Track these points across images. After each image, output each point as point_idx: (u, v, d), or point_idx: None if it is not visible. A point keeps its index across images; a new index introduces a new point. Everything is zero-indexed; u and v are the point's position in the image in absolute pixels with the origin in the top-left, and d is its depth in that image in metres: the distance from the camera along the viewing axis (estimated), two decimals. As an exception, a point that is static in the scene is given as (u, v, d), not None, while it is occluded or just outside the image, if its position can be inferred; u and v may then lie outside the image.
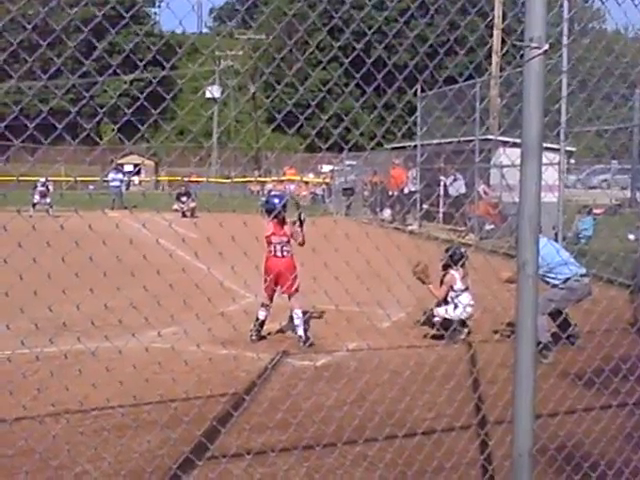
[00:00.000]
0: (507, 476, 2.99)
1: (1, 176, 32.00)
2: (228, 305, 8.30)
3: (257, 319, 7.73)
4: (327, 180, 34.02)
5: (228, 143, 55.32)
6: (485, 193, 18.82)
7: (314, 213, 24.62)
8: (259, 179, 42.46)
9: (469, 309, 8.09)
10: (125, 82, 50.03)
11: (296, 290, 7.53)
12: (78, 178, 41.30)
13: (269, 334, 7.98)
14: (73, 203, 20.81)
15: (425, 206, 21.24)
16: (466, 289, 8.07)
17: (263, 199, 7.95)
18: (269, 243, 7.61)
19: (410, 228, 20.82)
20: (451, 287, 8.03)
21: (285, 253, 7.61)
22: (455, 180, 20.35)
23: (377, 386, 5.34)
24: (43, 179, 25.47)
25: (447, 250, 8.30)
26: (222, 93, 57.55)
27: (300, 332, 7.53)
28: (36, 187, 26.28)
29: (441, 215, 20.91)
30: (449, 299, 8.06)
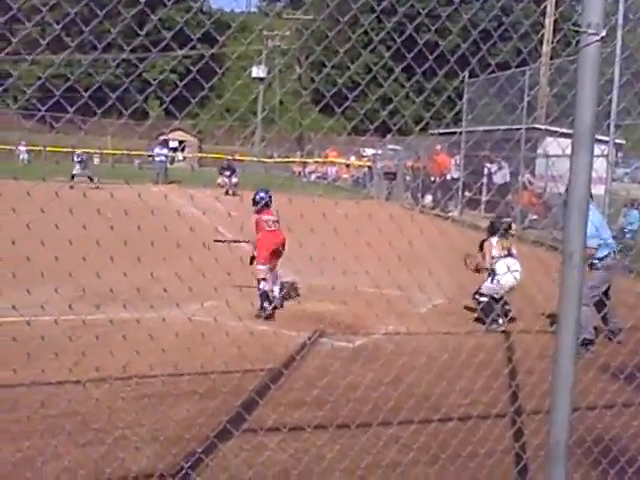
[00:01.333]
0: (542, 465, 2.97)
1: (52, 147, 32.63)
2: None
3: (260, 294, 7.95)
4: (369, 164, 33.84)
5: (272, 123, 55.41)
6: (530, 183, 18.54)
7: (355, 196, 24.62)
8: (301, 160, 42.49)
9: (509, 278, 7.83)
10: (174, 58, 50.44)
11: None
12: (125, 152, 41.94)
13: (308, 314, 8.04)
14: (118, 176, 21.18)
15: (468, 193, 21.02)
16: (506, 256, 7.95)
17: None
18: (260, 224, 8.33)
19: (451, 215, 20.64)
20: (491, 256, 7.95)
21: (277, 227, 8.37)
22: (500, 169, 20.09)
23: (414, 369, 5.34)
24: (79, 151, 25.83)
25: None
26: (268, 73, 57.55)
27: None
28: (74, 159, 26.40)
29: (483, 203, 20.68)
30: (490, 270, 7.97)
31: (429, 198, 24.44)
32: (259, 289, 7.92)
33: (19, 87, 43.33)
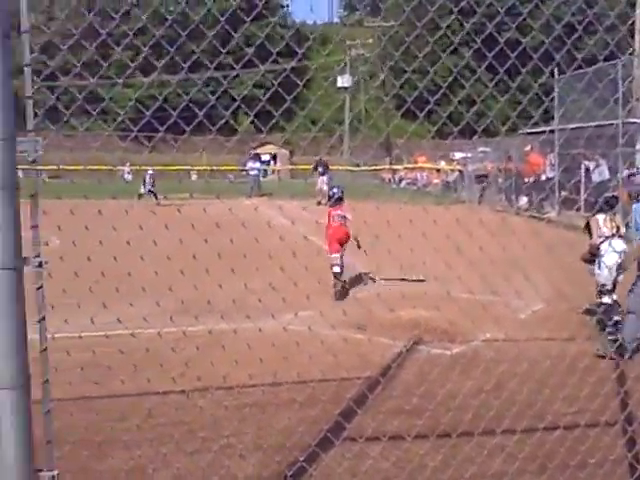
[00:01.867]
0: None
1: (145, 165, 33.94)
2: (361, 289, 8.37)
3: (335, 274, 9.44)
4: (460, 167, 33.27)
5: (358, 132, 55.55)
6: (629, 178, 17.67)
7: (443, 201, 24.26)
8: (391, 167, 42.32)
9: (612, 257, 7.21)
10: (258, 74, 51.48)
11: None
12: (218, 167, 43.15)
13: (402, 320, 7.96)
14: (212, 191, 21.78)
15: (564, 193, 20.28)
16: (613, 236, 7.38)
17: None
18: (331, 217, 9.95)
19: (548, 216, 19.95)
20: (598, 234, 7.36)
21: (342, 222, 9.87)
22: (598, 166, 19.27)
23: (515, 376, 5.17)
24: (151, 171, 26.70)
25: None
26: (353, 81, 57.82)
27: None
28: (144, 179, 27.05)
29: (582, 202, 19.88)
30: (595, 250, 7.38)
31: (524, 200, 23.74)
32: (333, 273, 9.43)
33: (114, 110, 45.39)
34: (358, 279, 9.85)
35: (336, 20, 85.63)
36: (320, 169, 27.75)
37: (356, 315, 7.18)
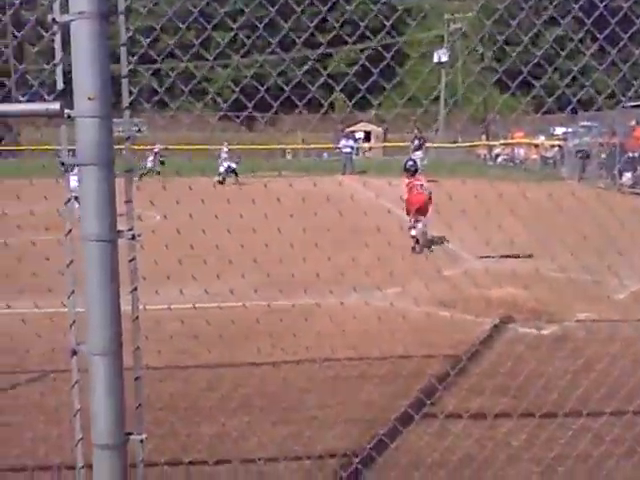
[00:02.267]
0: None
1: (242, 144, 34.63)
2: (449, 267, 8.29)
3: (413, 236, 10.79)
4: (559, 143, 31.98)
5: (455, 107, 54.31)
6: None
7: (543, 178, 23.44)
8: (487, 142, 41.25)
9: None
10: (356, 51, 51.21)
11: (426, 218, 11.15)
12: (314, 146, 43.50)
13: (490, 299, 7.85)
14: (306, 169, 21.97)
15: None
16: None
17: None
18: (409, 187, 11.30)
19: (653, 193, 18.94)
20: None
21: (421, 190, 11.23)
22: None
23: (606, 356, 5.01)
24: (226, 149, 26.83)
25: None
26: (450, 57, 56.45)
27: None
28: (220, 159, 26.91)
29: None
30: None
31: (628, 175, 22.62)
32: (411, 235, 10.79)
33: (216, 91, 46.45)
34: (444, 257, 9.79)
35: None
36: (416, 143, 27.38)
37: (441, 292, 7.13)
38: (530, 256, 9.06)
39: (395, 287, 6.68)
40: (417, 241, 10.70)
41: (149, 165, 27.60)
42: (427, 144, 28.63)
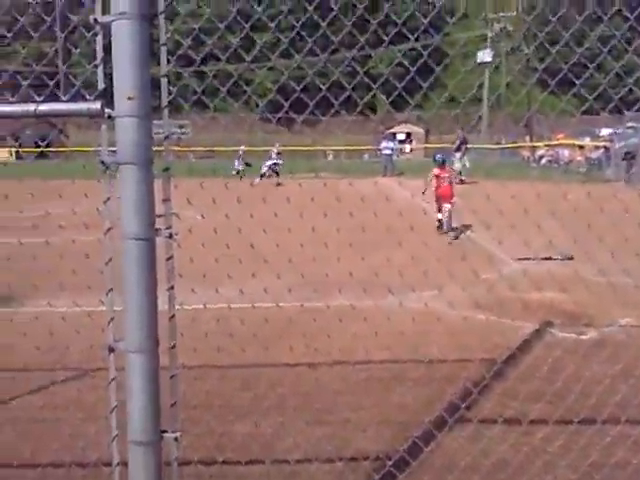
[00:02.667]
0: None
1: (287, 146, 34.85)
2: (486, 270, 8.19)
3: (438, 220, 13.35)
4: (605, 144, 31.31)
5: (499, 109, 53.67)
6: None
7: (588, 180, 22.95)
8: (531, 144, 40.64)
9: None
10: (399, 51, 50.92)
11: (452, 202, 13.22)
12: (352, 147, 43.43)
13: (527, 303, 7.73)
14: (346, 171, 21.99)
15: None
16: None
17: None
18: (438, 178, 13.44)
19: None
20: None
21: (447, 183, 13.39)
22: None
23: None
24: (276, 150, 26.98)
25: None
26: (494, 57, 55.75)
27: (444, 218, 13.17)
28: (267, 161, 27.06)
29: None
30: None
31: (677, 178, 22.02)
32: (437, 218, 13.35)
33: (258, 92, 46.78)
34: (483, 260, 9.69)
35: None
36: (457, 143, 27.04)
37: (477, 295, 7.05)
38: (570, 258, 8.92)
39: (430, 289, 6.64)
40: (441, 222, 13.23)
41: (264, 170, 27.32)
42: (468, 145, 28.14)
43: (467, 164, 26.37)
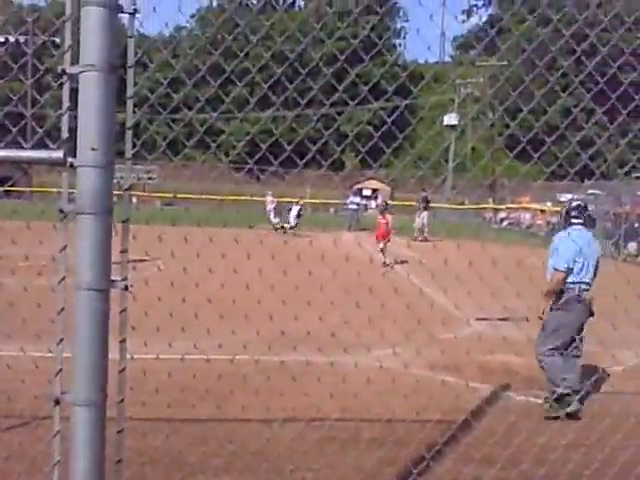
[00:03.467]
0: None
1: (255, 196, 34.95)
2: (441, 331, 8.21)
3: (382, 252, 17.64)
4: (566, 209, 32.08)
5: (464, 171, 54.92)
6: None
7: (548, 243, 23.43)
8: (495, 206, 41.53)
9: None
10: (369, 111, 52.05)
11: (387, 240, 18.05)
12: (321, 201, 43.81)
13: (482, 364, 7.75)
14: (315, 223, 22.16)
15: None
16: None
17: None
18: (380, 222, 18.20)
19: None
20: None
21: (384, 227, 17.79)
22: None
23: (618, 431, 4.69)
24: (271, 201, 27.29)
25: None
26: (460, 121, 57.37)
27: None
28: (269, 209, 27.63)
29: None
30: None
31: (634, 246, 22.66)
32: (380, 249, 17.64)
33: (230, 143, 47.27)
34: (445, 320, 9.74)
35: (447, 59, 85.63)
36: (422, 204, 27.80)
37: (433, 355, 7.06)
38: (526, 319, 9.02)
39: (386, 348, 6.60)
40: (385, 260, 17.12)
41: (292, 222, 27.15)
42: (430, 204, 28.79)
43: (425, 221, 26.99)
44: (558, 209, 33.42)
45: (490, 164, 54.98)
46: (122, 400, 2.43)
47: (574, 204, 6.59)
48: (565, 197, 34.24)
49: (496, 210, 41.74)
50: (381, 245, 17.66)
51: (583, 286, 6.16)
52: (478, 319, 9.40)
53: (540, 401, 6.39)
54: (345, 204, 35.43)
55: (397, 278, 10.62)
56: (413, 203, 34.26)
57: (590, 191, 29.44)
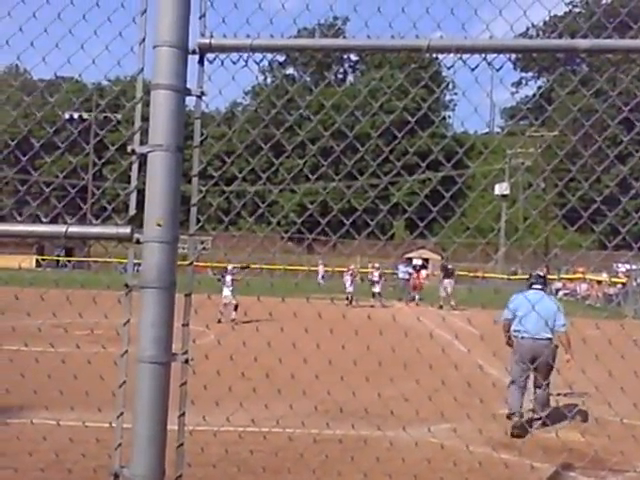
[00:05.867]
0: None
1: (300, 265, 35.13)
2: (501, 407, 7.94)
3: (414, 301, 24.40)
4: (624, 280, 31.27)
5: (516, 240, 54.36)
6: None
7: (601, 314, 22.71)
8: (549, 277, 40.80)
9: None
10: (420, 181, 52.47)
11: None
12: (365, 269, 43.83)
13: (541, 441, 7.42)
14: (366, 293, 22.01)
15: None
16: None
17: None
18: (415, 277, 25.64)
19: None
20: None
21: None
22: None
23: None
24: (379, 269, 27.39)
25: None
26: (511, 190, 57.17)
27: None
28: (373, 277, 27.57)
29: None
30: None
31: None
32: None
33: (284, 213, 48.18)
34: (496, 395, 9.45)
35: (496, 130, 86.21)
36: (442, 273, 27.82)
37: (494, 434, 6.80)
38: (586, 394, 8.70)
39: (447, 425, 6.39)
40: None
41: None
42: (452, 273, 28.34)
43: (449, 290, 26.62)
44: (616, 280, 32.61)
45: (541, 232, 54.32)
46: (180, 476, 2.41)
47: (534, 273, 8.57)
48: (622, 267, 33.45)
49: (551, 280, 40.91)
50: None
51: (524, 334, 7.82)
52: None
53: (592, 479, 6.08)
54: (395, 274, 35.20)
55: (433, 349, 10.31)
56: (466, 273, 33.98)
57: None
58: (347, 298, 25.86)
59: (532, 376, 7.75)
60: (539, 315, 7.45)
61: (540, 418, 7.47)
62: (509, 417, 7.54)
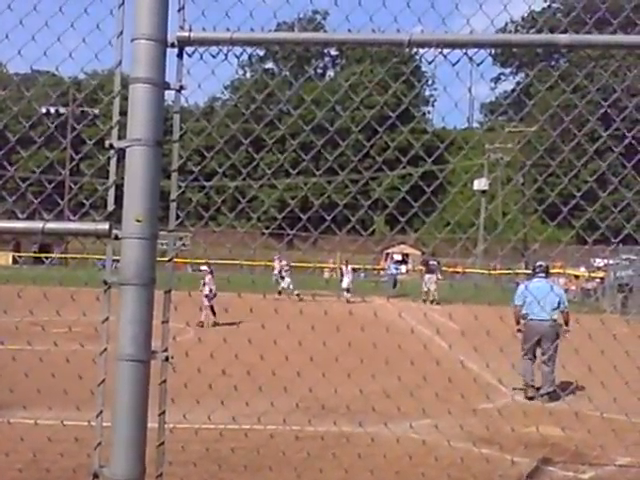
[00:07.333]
0: None
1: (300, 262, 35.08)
2: (482, 402, 7.99)
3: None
4: (601, 275, 31.62)
5: (494, 235, 54.71)
6: None
7: (580, 309, 22.98)
8: (525, 271, 41.11)
9: None
10: (400, 176, 52.66)
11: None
12: (357, 266, 43.96)
13: (528, 436, 7.48)
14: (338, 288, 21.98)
15: None
16: None
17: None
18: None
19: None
20: None
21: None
22: None
23: None
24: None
25: None
26: (489, 185, 57.53)
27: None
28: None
29: None
30: None
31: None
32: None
33: (263, 208, 48.26)
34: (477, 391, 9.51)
35: (475, 125, 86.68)
36: (424, 269, 28.20)
37: (475, 429, 6.83)
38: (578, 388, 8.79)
39: (428, 421, 6.40)
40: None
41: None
42: (433, 268, 28.58)
43: (430, 285, 26.90)
44: (593, 274, 32.95)
45: (520, 228, 54.75)
46: (161, 474, 2.39)
47: (537, 264, 10.06)
48: (600, 262, 33.81)
49: (529, 275, 41.30)
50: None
51: (532, 316, 9.42)
52: (515, 388, 9.21)
53: (585, 476, 6.13)
54: (384, 269, 35.59)
55: (415, 345, 10.37)
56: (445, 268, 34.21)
57: (625, 256, 28.99)
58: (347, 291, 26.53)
59: (539, 354, 9.25)
60: (544, 300, 9.00)
61: (549, 392, 8.78)
62: (524, 387, 9.18)
